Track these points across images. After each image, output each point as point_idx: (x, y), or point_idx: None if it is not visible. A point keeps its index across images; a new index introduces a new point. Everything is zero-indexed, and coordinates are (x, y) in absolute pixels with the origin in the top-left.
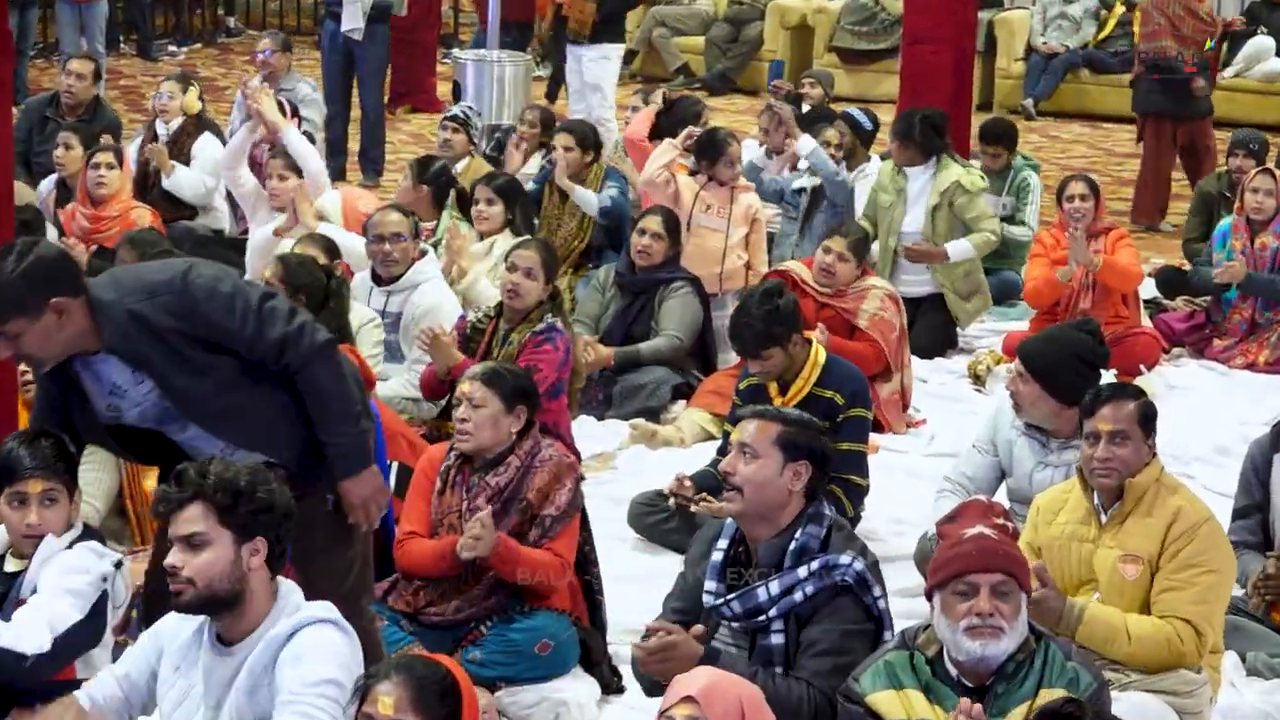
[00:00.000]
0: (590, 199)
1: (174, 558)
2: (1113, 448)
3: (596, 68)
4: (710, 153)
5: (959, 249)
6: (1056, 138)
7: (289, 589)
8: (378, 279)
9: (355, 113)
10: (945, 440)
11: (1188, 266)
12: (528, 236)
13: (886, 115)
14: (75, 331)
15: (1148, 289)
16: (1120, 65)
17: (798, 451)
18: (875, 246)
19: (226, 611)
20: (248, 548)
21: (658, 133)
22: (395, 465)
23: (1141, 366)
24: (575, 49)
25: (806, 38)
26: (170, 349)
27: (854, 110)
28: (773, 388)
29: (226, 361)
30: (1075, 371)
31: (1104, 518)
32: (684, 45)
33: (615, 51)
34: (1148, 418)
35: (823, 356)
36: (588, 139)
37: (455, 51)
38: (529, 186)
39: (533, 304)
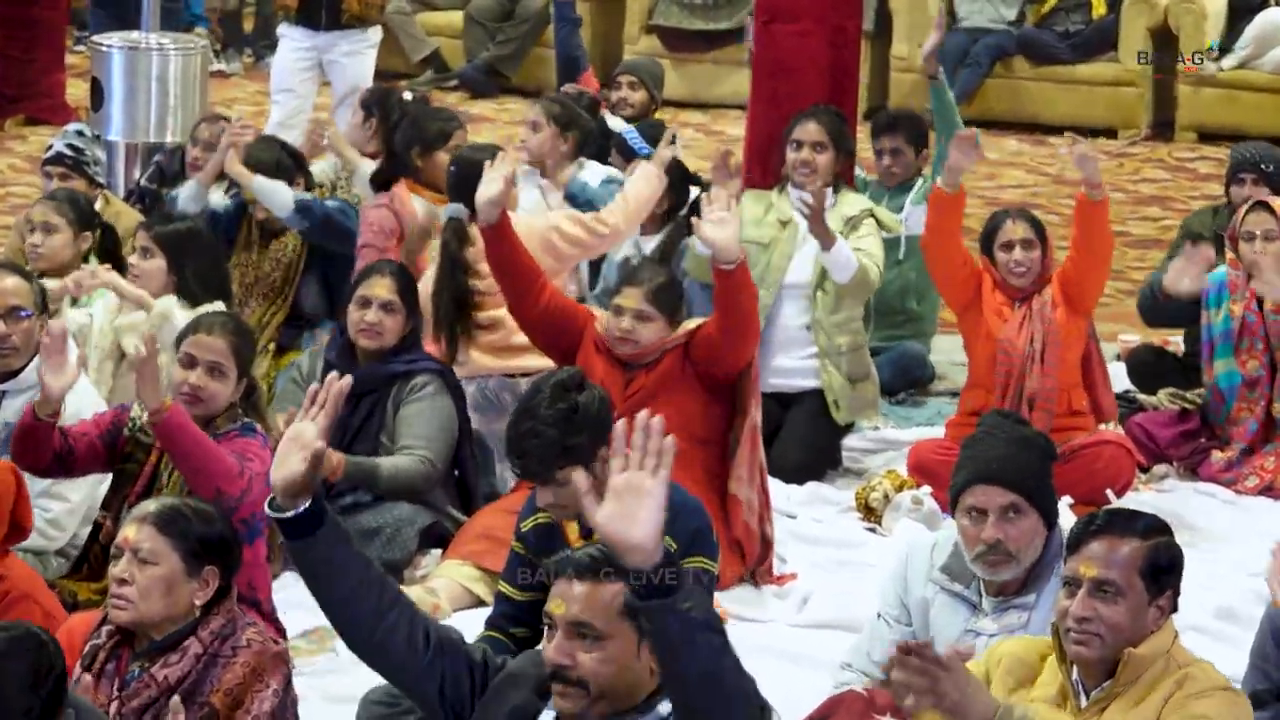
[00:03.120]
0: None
1: None
2: (1095, 602)
3: (362, 62)
4: (464, 193)
5: (841, 256)
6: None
7: None
8: None
9: None
10: (824, 603)
11: (1170, 344)
12: (214, 308)
13: (732, 126)
14: None
15: (1117, 378)
16: (1071, 52)
17: None
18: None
19: None
20: None
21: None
22: None
23: (1109, 492)
24: (322, 35)
25: (615, 13)
26: None
27: (629, 131)
28: (571, 529)
29: None
30: (1051, 476)
31: (1084, 700)
32: (433, 25)
33: (376, 35)
34: (1157, 568)
35: None
36: (284, 166)
37: (94, 36)
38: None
39: (220, 409)
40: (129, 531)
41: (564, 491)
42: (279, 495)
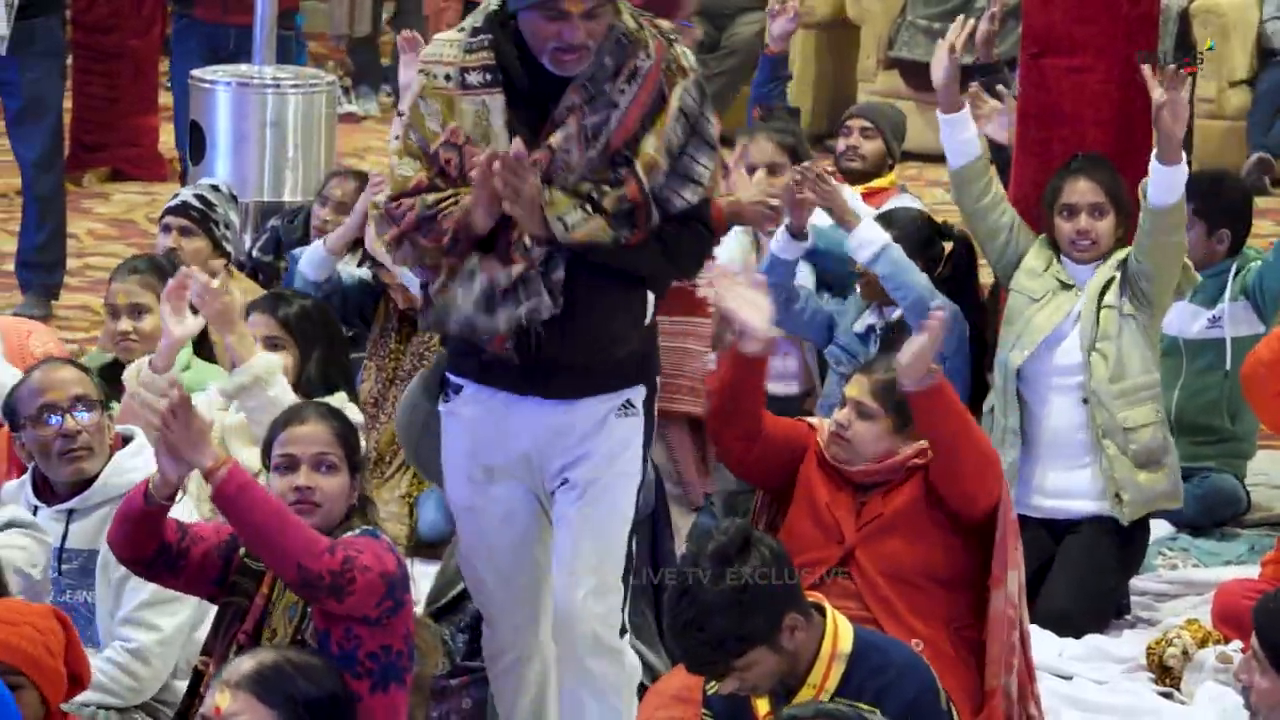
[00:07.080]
0: None
1: None
2: None
3: None
4: None
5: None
6: None
7: None
8: (46, 489)
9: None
10: None
11: None
12: (326, 400)
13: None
14: None
15: None
16: None
17: None
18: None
19: None
20: None
21: None
22: None
23: None
24: None
25: (847, 44)
26: None
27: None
28: (761, 705)
29: None
30: None
31: None
32: None
33: None
34: None
35: (847, 640)
36: None
37: (195, 71)
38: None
39: (337, 517)
40: (220, 699)
41: (750, 675)
42: None
